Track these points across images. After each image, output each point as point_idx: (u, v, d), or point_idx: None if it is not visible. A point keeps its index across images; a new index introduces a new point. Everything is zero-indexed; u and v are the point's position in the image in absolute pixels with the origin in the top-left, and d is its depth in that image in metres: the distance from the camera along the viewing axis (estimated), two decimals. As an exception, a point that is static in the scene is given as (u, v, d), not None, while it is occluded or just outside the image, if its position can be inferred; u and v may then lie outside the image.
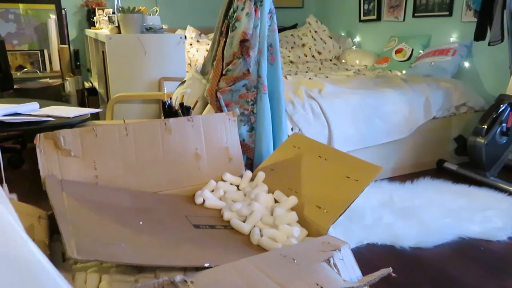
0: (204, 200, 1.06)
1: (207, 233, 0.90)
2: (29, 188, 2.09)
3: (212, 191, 1.11)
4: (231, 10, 1.71)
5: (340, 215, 0.89)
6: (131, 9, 2.60)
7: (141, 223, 0.86)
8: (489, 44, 2.41)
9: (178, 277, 0.63)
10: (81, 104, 3.70)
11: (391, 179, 2.39)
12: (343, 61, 3.92)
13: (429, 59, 3.03)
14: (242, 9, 1.67)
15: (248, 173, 1.17)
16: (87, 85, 3.87)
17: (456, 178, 2.37)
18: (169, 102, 1.83)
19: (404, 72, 3.15)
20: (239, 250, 0.67)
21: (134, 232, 0.82)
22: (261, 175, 1.14)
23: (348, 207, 0.90)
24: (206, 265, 0.64)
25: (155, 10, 3.28)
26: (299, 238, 0.89)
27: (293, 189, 1.03)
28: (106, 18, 3.33)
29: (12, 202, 0.87)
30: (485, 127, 2.26)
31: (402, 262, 1.53)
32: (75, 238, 0.67)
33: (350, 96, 2.33)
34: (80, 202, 0.85)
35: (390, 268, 0.74)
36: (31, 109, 1.94)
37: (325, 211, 0.92)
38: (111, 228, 0.81)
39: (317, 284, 0.80)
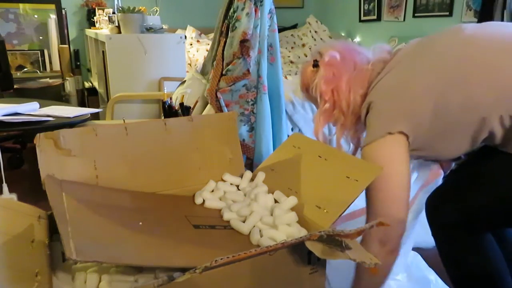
0: (204, 200, 1.06)
1: (207, 233, 0.90)
2: (29, 188, 2.09)
3: (212, 191, 1.11)
4: (231, 10, 1.71)
5: (340, 215, 0.89)
6: (131, 9, 2.61)
7: (140, 223, 0.86)
8: (489, 44, 2.41)
9: (177, 274, 0.63)
10: (81, 104, 3.70)
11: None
12: (343, 61, 3.92)
13: (429, 59, 3.02)
14: (242, 9, 1.67)
15: (248, 173, 1.17)
16: (87, 85, 3.87)
17: (456, 178, 2.37)
18: (169, 102, 1.83)
19: (404, 72, 3.15)
20: (239, 250, 0.67)
21: (133, 232, 0.82)
22: (261, 175, 1.14)
23: (348, 207, 0.90)
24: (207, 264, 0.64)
25: (155, 10, 3.28)
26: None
27: (293, 189, 1.03)
28: (106, 18, 3.33)
29: (12, 202, 0.87)
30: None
31: (402, 262, 1.53)
32: (74, 239, 0.67)
33: (350, 96, 2.32)
34: (80, 203, 0.85)
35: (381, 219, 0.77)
36: (31, 109, 1.95)
37: (325, 211, 0.92)
38: (110, 228, 0.81)
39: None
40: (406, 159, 0.95)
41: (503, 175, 0.92)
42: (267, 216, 0.97)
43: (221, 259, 0.63)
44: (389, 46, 1.15)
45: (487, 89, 0.88)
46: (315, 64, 1.15)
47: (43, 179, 0.89)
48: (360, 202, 0.96)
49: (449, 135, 0.95)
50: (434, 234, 1.06)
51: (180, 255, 0.78)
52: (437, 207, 1.04)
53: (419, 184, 1.26)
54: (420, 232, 1.73)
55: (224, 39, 1.74)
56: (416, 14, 3.45)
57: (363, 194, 0.97)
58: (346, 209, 0.89)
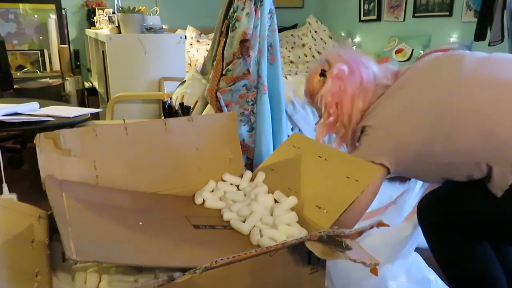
0: (204, 200, 1.06)
1: (207, 233, 0.90)
2: (29, 188, 2.09)
3: (212, 191, 1.11)
4: (231, 10, 1.71)
5: (340, 215, 0.89)
6: (131, 9, 2.61)
7: (140, 223, 0.86)
8: (489, 45, 2.41)
9: (177, 274, 0.63)
10: (81, 104, 3.70)
11: (391, 179, 2.39)
12: (343, 61, 3.92)
13: (429, 59, 3.02)
14: (242, 9, 1.67)
15: (248, 173, 1.17)
16: (87, 85, 3.87)
17: (456, 178, 2.36)
18: (169, 102, 1.83)
19: (404, 72, 3.14)
20: (239, 250, 0.67)
21: (133, 232, 0.82)
22: (261, 175, 1.14)
23: (348, 207, 0.90)
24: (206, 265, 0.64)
25: (155, 10, 3.28)
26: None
27: (293, 189, 1.03)
28: (106, 18, 3.33)
29: (12, 202, 0.87)
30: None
31: (402, 262, 1.53)
32: (74, 239, 0.67)
33: (350, 96, 2.32)
34: (80, 203, 0.85)
35: (382, 219, 0.78)
36: (31, 109, 1.94)
37: (325, 211, 0.92)
38: (110, 228, 0.81)
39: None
40: (379, 184, 1.02)
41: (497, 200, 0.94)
42: (267, 216, 0.97)
43: (221, 259, 0.63)
44: (395, 67, 1.18)
45: (471, 137, 0.93)
46: (322, 74, 1.16)
47: (43, 179, 0.89)
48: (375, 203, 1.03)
49: (428, 171, 1.03)
50: (425, 234, 1.08)
51: (180, 255, 0.78)
52: (429, 206, 1.06)
53: (423, 188, 1.27)
54: (421, 232, 1.73)
55: (224, 39, 1.74)
56: (416, 14, 3.45)
57: (381, 192, 1.03)
58: (346, 209, 0.89)
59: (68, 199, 0.83)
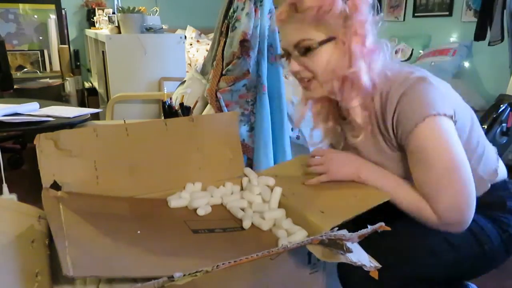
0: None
1: (206, 237, 0.89)
2: (29, 188, 2.09)
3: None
4: (231, 10, 1.71)
5: (343, 221, 0.88)
6: (131, 9, 2.61)
7: (138, 232, 0.85)
8: (489, 44, 2.41)
9: (178, 274, 0.63)
10: (81, 104, 3.70)
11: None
12: (343, 61, 3.91)
13: (429, 59, 3.03)
14: (242, 9, 1.67)
15: (250, 170, 1.16)
16: (87, 85, 3.87)
17: (456, 178, 2.36)
18: (169, 102, 1.83)
19: (404, 72, 3.15)
20: (239, 254, 0.67)
21: (132, 242, 0.81)
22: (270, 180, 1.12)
23: (353, 217, 0.87)
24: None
25: (155, 10, 3.28)
26: (298, 238, 0.89)
27: (295, 193, 1.03)
28: (106, 18, 3.33)
29: (12, 202, 0.87)
30: (485, 127, 2.27)
31: (402, 262, 1.53)
32: (71, 254, 0.66)
33: (350, 96, 2.32)
34: (78, 214, 0.84)
35: (382, 223, 0.77)
36: (31, 109, 1.95)
37: (328, 215, 0.91)
38: (108, 240, 0.79)
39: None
40: (453, 136, 0.88)
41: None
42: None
43: (223, 264, 0.63)
44: None
45: None
46: None
47: (42, 194, 0.88)
48: None
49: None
50: None
51: (179, 263, 0.78)
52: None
53: None
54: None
55: (224, 39, 1.74)
56: (416, 14, 3.45)
57: None
58: (349, 218, 0.88)
59: (66, 211, 0.82)
